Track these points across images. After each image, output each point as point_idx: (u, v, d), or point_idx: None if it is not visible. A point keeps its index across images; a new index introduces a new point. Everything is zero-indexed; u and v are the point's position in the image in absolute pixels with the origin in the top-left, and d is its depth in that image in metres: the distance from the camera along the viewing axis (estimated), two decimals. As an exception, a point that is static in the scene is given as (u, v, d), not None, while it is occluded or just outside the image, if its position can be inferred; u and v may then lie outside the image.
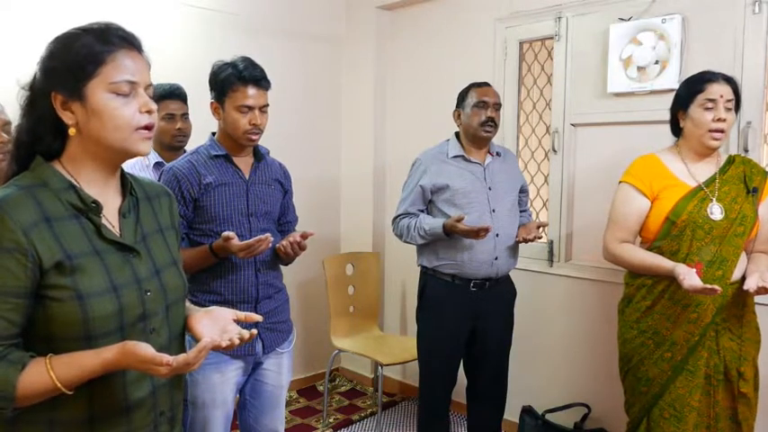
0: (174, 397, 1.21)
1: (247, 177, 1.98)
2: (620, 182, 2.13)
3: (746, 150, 2.39)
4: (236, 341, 1.11)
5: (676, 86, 2.46)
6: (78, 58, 1.05)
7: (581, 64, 2.85)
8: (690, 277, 1.85)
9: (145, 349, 0.99)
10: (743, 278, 1.95)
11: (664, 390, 2.00)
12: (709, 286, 1.79)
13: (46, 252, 1.01)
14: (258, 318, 1.23)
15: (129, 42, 1.10)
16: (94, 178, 1.11)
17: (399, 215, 2.56)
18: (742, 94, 2.04)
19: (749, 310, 2.03)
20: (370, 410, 3.50)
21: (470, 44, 3.27)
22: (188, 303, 1.28)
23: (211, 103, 1.94)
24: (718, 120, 1.94)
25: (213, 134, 2.00)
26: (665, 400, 2.00)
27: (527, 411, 2.90)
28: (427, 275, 2.57)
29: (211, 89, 1.93)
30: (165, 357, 0.98)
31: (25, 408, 1.01)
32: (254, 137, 1.92)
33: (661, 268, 1.96)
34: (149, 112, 1.09)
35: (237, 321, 1.20)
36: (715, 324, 1.97)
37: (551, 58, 3.00)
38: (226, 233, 1.77)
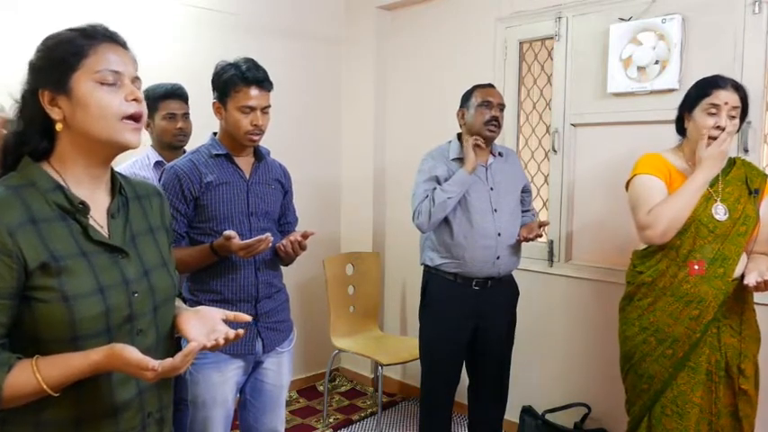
0: (162, 398, 1.20)
1: (248, 177, 1.98)
2: (633, 176, 2.09)
3: (746, 150, 2.39)
4: (221, 342, 1.10)
5: (676, 86, 2.49)
6: (62, 53, 1.06)
7: (581, 64, 2.85)
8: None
9: (131, 353, 0.98)
10: (743, 275, 1.96)
11: (665, 387, 2.01)
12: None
13: (31, 253, 1.00)
14: (247, 318, 1.22)
15: (112, 38, 1.11)
16: (83, 178, 1.10)
17: (420, 202, 2.46)
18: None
19: (749, 308, 2.04)
20: (370, 410, 3.50)
21: (470, 44, 3.27)
22: (178, 302, 1.27)
23: (213, 103, 1.94)
24: (718, 127, 1.95)
25: (214, 134, 2.00)
26: (666, 396, 2.01)
27: (527, 411, 2.91)
28: (430, 274, 2.58)
29: (214, 89, 1.94)
30: (151, 362, 0.97)
31: (11, 409, 1.00)
32: (255, 137, 1.92)
33: (693, 181, 1.95)
34: (136, 100, 1.09)
35: (227, 321, 1.19)
36: (716, 321, 1.98)
37: (551, 58, 3.01)
38: (227, 232, 1.77)
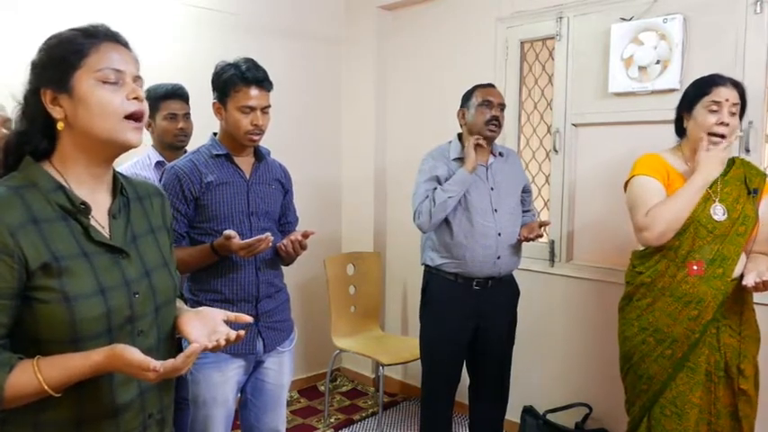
0: (163, 399, 1.20)
1: (248, 177, 1.98)
2: (631, 177, 2.09)
3: (748, 150, 2.39)
4: (222, 343, 1.10)
5: (678, 86, 2.48)
6: (63, 52, 1.07)
7: (582, 64, 2.85)
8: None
9: (132, 353, 0.98)
10: (742, 275, 1.95)
11: (665, 387, 2.01)
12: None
13: (32, 253, 1.00)
14: (249, 319, 1.22)
15: (114, 38, 1.11)
16: (85, 178, 1.10)
17: (420, 202, 2.46)
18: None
19: (748, 308, 2.04)
20: (371, 410, 3.50)
21: (471, 44, 3.27)
22: (179, 303, 1.27)
23: (213, 103, 1.94)
24: (721, 123, 1.95)
25: (215, 134, 2.00)
26: (665, 397, 2.01)
27: (528, 411, 2.91)
28: (431, 274, 2.58)
29: (214, 89, 1.94)
30: (153, 363, 0.97)
31: (11, 409, 1.00)
32: (255, 137, 1.92)
33: (692, 184, 1.94)
34: (137, 98, 1.09)
35: (228, 322, 1.18)
36: (716, 321, 1.97)
37: (552, 58, 3.00)
38: (227, 232, 1.78)
